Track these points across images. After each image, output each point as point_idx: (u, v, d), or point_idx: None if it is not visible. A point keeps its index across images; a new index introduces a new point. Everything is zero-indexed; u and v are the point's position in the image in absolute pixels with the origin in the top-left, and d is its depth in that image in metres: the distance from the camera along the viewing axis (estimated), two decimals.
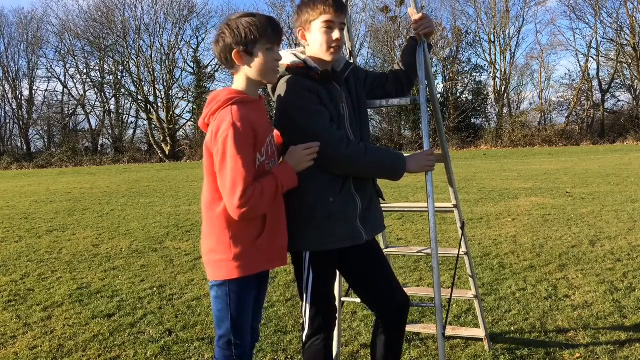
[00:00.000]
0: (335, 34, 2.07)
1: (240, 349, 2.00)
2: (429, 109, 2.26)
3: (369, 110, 2.36)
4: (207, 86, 34.76)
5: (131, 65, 34.96)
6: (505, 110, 34.62)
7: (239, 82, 1.98)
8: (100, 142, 37.39)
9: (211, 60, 34.91)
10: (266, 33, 1.89)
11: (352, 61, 2.56)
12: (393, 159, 2.13)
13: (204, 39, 35.51)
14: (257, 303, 2.14)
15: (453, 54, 34.61)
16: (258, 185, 1.87)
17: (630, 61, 32.22)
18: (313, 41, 2.10)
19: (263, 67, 1.93)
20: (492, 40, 34.25)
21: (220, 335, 2.01)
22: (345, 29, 2.27)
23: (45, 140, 38.01)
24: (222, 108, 1.89)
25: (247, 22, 1.89)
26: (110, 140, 37.27)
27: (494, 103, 35.10)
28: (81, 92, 36.83)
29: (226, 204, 1.88)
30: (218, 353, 2.04)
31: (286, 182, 1.97)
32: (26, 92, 36.65)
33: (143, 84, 34.94)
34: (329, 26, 2.06)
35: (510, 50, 34.34)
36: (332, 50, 2.08)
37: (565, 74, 54.18)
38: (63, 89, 37.05)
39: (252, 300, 2.04)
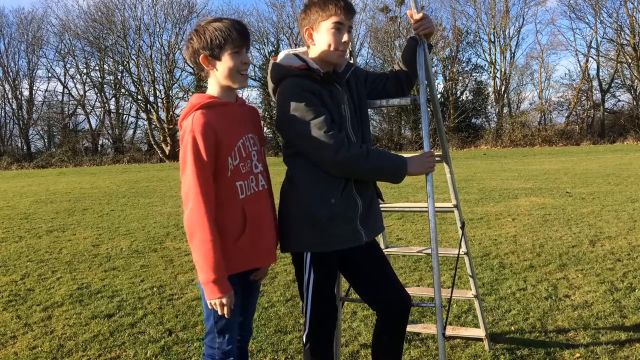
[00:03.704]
0: (344, 37, 2.08)
1: (224, 346, 2.05)
2: (429, 109, 2.26)
3: (369, 110, 2.36)
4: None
5: (131, 65, 34.97)
6: (505, 110, 34.64)
7: (211, 87, 2.05)
8: (100, 142, 37.41)
9: None
10: (231, 37, 1.94)
11: (352, 61, 2.56)
12: (394, 162, 2.12)
13: None
14: (247, 299, 2.15)
15: (453, 54, 34.63)
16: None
17: (630, 61, 32.22)
18: (320, 41, 2.10)
19: (229, 71, 1.97)
20: (492, 40, 34.28)
21: (207, 332, 2.07)
22: None
23: (45, 140, 38.04)
24: (189, 114, 1.94)
25: (212, 28, 1.94)
26: (110, 140, 37.27)
27: (494, 103, 35.10)
28: (81, 92, 36.87)
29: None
30: (205, 349, 2.10)
31: None
32: (26, 92, 36.69)
33: (143, 84, 34.94)
34: (338, 28, 2.06)
35: (510, 50, 34.40)
36: (339, 52, 2.09)
37: (565, 74, 54.38)
38: (63, 89, 37.09)
39: (237, 298, 2.05)
